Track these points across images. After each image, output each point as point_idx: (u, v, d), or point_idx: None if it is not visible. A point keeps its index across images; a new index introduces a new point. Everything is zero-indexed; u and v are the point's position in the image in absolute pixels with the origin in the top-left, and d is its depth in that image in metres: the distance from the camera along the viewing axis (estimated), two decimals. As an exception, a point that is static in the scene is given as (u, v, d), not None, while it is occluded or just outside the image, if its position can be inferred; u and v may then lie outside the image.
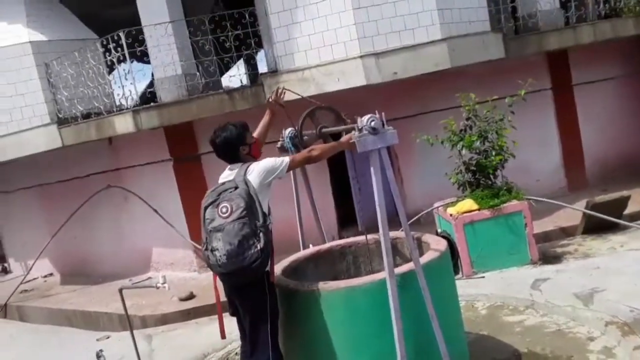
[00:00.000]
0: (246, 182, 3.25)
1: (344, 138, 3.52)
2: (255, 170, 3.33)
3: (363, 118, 3.20)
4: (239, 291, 3.30)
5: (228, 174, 3.43)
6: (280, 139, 4.11)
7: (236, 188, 3.23)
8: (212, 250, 3.15)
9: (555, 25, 8.20)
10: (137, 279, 8.16)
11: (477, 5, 7.33)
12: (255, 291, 3.27)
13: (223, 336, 3.48)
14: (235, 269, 3.13)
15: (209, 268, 3.37)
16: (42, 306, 8.11)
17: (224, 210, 3.16)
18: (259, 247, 3.15)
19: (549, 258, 6.09)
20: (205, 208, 3.23)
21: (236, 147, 3.46)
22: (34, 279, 9.88)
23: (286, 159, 3.41)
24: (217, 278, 3.36)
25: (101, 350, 4.93)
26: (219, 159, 3.59)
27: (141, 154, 8.64)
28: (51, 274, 10.22)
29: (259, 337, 3.28)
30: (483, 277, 5.80)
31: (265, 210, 3.30)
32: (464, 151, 6.40)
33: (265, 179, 3.32)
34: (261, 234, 3.18)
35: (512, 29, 8.37)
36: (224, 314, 3.48)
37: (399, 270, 3.33)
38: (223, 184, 3.32)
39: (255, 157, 3.56)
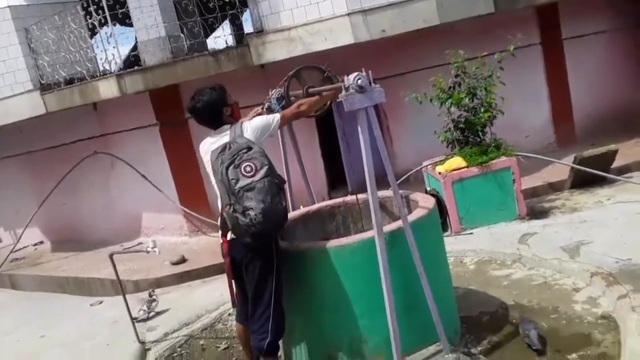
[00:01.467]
0: (252, 142, 3.22)
1: (329, 88, 3.50)
2: (249, 129, 3.30)
3: (350, 76, 3.15)
4: (253, 253, 3.25)
5: (216, 139, 3.36)
6: (267, 101, 4.06)
7: (250, 148, 3.17)
8: (244, 211, 3.08)
9: (545, -23, 8.06)
10: (128, 245, 8.19)
11: (465, -41, 7.17)
12: (267, 251, 3.26)
13: (234, 305, 3.46)
14: (269, 226, 3.11)
15: (223, 230, 3.27)
16: (34, 274, 8.13)
17: (247, 169, 3.11)
18: (284, 204, 3.20)
19: (536, 213, 6.15)
20: (227, 169, 3.13)
21: (219, 109, 3.40)
22: (25, 247, 9.88)
23: (277, 116, 3.41)
24: (228, 245, 3.30)
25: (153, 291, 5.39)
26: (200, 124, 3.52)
27: (127, 119, 8.55)
28: (42, 242, 10.23)
29: (264, 296, 3.28)
30: (471, 233, 5.86)
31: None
32: (452, 109, 6.37)
33: (260, 136, 3.29)
34: (282, 192, 3.22)
35: (502, -17, 8.22)
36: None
37: (388, 228, 3.34)
38: (228, 144, 3.21)
39: (236, 119, 3.50)
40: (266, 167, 3.13)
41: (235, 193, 3.10)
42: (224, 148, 3.20)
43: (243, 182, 3.09)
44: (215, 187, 3.33)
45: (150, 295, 5.46)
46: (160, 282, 6.54)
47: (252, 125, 3.32)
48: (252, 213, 3.06)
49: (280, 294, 3.31)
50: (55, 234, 10.01)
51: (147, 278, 6.65)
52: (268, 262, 3.26)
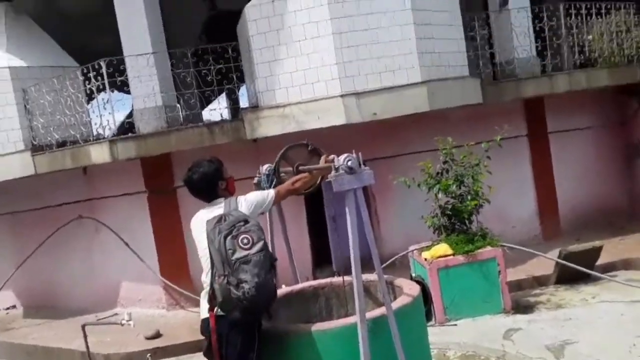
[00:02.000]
0: (249, 217, 3.20)
1: (320, 167, 3.52)
2: (244, 204, 3.31)
3: (340, 157, 3.18)
4: (236, 327, 3.17)
5: (210, 211, 3.33)
6: (257, 175, 4.06)
7: (247, 221, 3.15)
8: (237, 284, 3.02)
9: (532, 72, 8.39)
10: (104, 315, 7.93)
11: (456, 50, 7.46)
12: (251, 328, 3.19)
13: None
14: (261, 301, 3.07)
15: (212, 304, 3.20)
16: (1, 340, 7.79)
17: (245, 241, 3.08)
18: (274, 281, 3.17)
19: (521, 307, 6.07)
20: (225, 238, 3.09)
21: (214, 182, 3.41)
22: (-5, 310, 9.53)
23: (271, 192, 3.43)
24: (215, 319, 3.20)
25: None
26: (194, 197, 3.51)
27: (116, 185, 8.51)
28: (14, 306, 9.88)
29: None
30: (455, 324, 5.74)
31: None
32: (440, 195, 6.42)
33: (255, 212, 3.29)
34: (274, 268, 3.20)
35: (490, 75, 8.55)
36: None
37: (371, 314, 3.27)
38: (224, 216, 3.18)
39: (231, 193, 3.50)
40: (262, 242, 3.12)
41: (231, 264, 3.06)
42: (220, 219, 3.18)
43: (240, 253, 3.06)
44: (203, 260, 3.29)
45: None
46: (132, 357, 6.29)
47: (247, 200, 3.33)
48: (245, 287, 3.01)
49: None
50: (30, 299, 9.68)
51: (118, 352, 6.39)
52: (250, 340, 3.18)
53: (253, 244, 3.08)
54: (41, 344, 7.19)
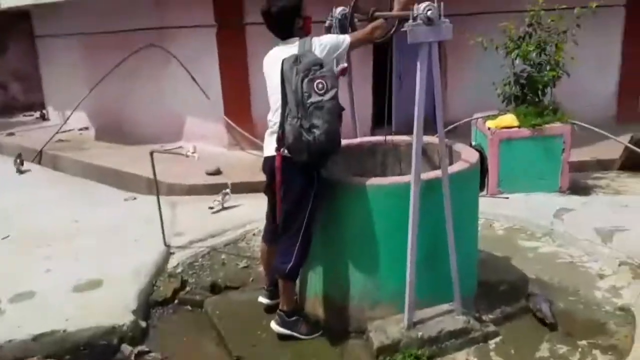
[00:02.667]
0: (325, 61, 3.13)
1: (397, 14, 3.32)
2: (318, 46, 3.20)
3: (420, 5, 2.95)
4: (299, 172, 3.23)
5: (284, 49, 3.25)
6: (330, 18, 3.87)
7: (322, 65, 3.10)
8: (309, 128, 3.05)
9: None
10: (169, 146, 8.30)
11: None
12: (312, 174, 3.25)
13: (276, 221, 3.42)
14: (328, 147, 3.12)
15: (292, 144, 3.13)
16: (76, 158, 8.40)
17: (320, 86, 3.05)
18: (341, 128, 3.19)
19: (578, 189, 5.94)
20: (302, 81, 3.05)
21: (292, 18, 3.27)
22: (70, 130, 10.16)
23: (347, 38, 3.28)
24: (281, 159, 3.25)
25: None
26: (267, 31, 3.37)
27: (187, 15, 8.39)
28: (87, 128, 10.49)
29: (297, 219, 3.27)
30: (507, 197, 5.71)
31: None
32: (517, 61, 6.05)
33: (327, 57, 3.19)
34: (340, 117, 3.19)
35: None
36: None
37: (425, 176, 3.26)
38: (299, 57, 3.10)
39: (307, 33, 3.37)
40: (335, 89, 3.10)
41: (305, 108, 3.06)
42: (296, 59, 3.11)
43: (314, 98, 3.05)
44: (272, 98, 3.28)
45: (225, 189, 5.91)
46: (193, 190, 6.68)
47: (321, 42, 3.21)
48: (316, 132, 3.04)
49: (312, 220, 3.30)
50: (101, 122, 10.23)
51: (181, 183, 6.79)
52: (310, 184, 3.25)
53: (327, 90, 3.06)
54: (111, 166, 7.70)
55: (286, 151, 3.20)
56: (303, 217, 3.26)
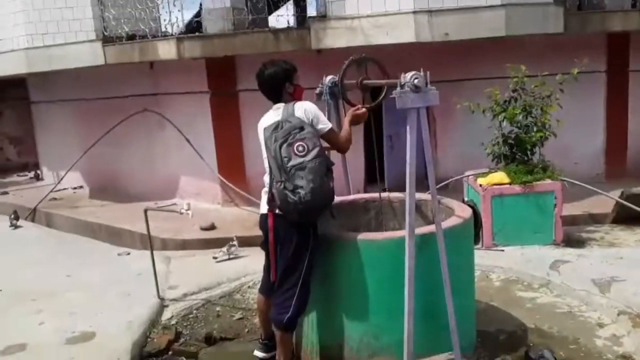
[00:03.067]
0: (304, 122, 3.24)
1: (385, 82, 3.47)
2: (301, 110, 3.30)
3: (407, 74, 3.11)
4: (293, 229, 3.29)
5: (272, 115, 3.39)
6: (320, 86, 4.05)
7: (302, 128, 3.21)
8: (294, 190, 3.13)
9: (622, 5, 7.84)
10: (162, 203, 8.35)
11: (543, -26, 7.01)
12: (307, 229, 3.30)
13: (274, 277, 3.43)
14: (317, 205, 3.17)
15: (271, 206, 3.30)
16: (69, 215, 8.41)
17: (300, 149, 3.16)
18: (332, 185, 3.25)
19: (573, 242, 6.01)
20: (280, 147, 3.17)
21: (282, 84, 3.42)
22: (64, 189, 10.20)
23: (329, 125, 3.39)
24: (273, 219, 3.33)
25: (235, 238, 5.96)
26: (259, 96, 3.53)
27: (180, 83, 8.70)
28: (81, 187, 10.55)
29: (294, 273, 3.31)
30: (502, 250, 5.76)
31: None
32: (504, 123, 6.25)
33: (311, 122, 3.27)
34: (330, 172, 3.26)
35: (576, 4, 8.02)
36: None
37: (420, 230, 3.32)
38: (280, 123, 3.25)
39: (296, 100, 3.50)
40: (317, 149, 3.17)
41: (287, 171, 3.15)
42: (277, 126, 3.24)
43: (295, 160, 3.14)
44: (266, 162, 3.36)
45: (232, 242, 5.98)
46: (187, 244, 6.68)
47: (304, 107, 3.32)
48: (301, 192, 3.11)
49: (309, 274, 3.34)
50: (95, 182, 10.30)
51: (175, 238, 6.79)
52: (306, 240, 3.29)
53: (308, 151, 3.14)
54: (105, 222, 7.70)
55: (278, 210, 3.28)
56: (300, 272, 3.29)
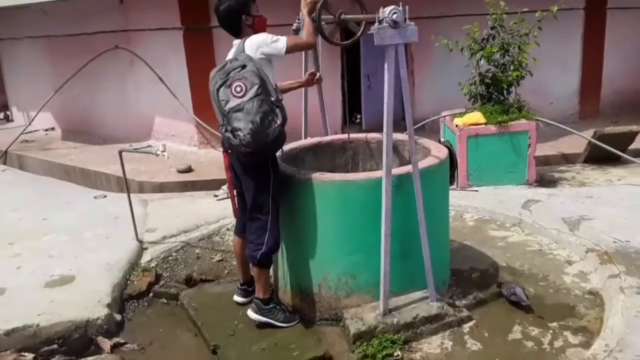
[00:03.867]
0: (250, 59, 3.17)
1: (362, 17, 3.42)
2: (249, 44, 3.24)
3: (385, 9, 3.03)
4: (247, 169, 3.32)
5: (231, 53, 3.33)
6: (297, 21, 3.94)
7: (244, 66, 3.15)
8: (233, 132, 3.11)
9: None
10: (137, 145, 8.24)
11: None
12: (262, 169, 3.30)
13: (236, 215, 3.51)
14: (260, 146, 3.12)
15: (224, 146, 3.35)
16: (42, 158, 8.25)
17: (237, 89, 3.09)
18: (278, 122, 3.17)
19: (545, 181, 6.14)
20: (217, 90, 3.15)
21: (238, 15, 3.31)
22: (36, 130, 9.97)
23: (283, 39, 3.26)
24: (229, 158, 3.37)
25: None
26: (226, 32, 3.45)
27: (152, 18, 8.39)
28: (52, 128, 10.31)
29: (260, 211, 3.34)
30: (477, 190, 5.86)
31: (274, 86, 3.27)
32: (482, 62, 6.21)
33: (258, 52, 3.20)
34: (277, 110, 3.19)
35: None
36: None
37: (396, 170, 3.34)
38: (226, 63, 3.22)
39: (259, 32, 3.37)
40: (256, 87, 3.09)
41: (225, 114, 3.12)
42: (222, 67, 3.20)
43: (232, 103, 3.10)
44: None
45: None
46: (164, 187, 6.64)
47: (251, 40, 3.24)
48: (240, 134, 3.09)
49: (276, 212, 3.37)
50: (68, 122, 10.07)
51: (151, 181, 6.74)
52: (263, 179, 3.30)
53: (246, 91, 3.08)
54: (79, 165, 7.58)
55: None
56: (267, 209, 3.32)
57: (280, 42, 3.22)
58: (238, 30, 3.35)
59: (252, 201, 3.36)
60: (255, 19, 3.36)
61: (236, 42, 3.34)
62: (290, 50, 3.24)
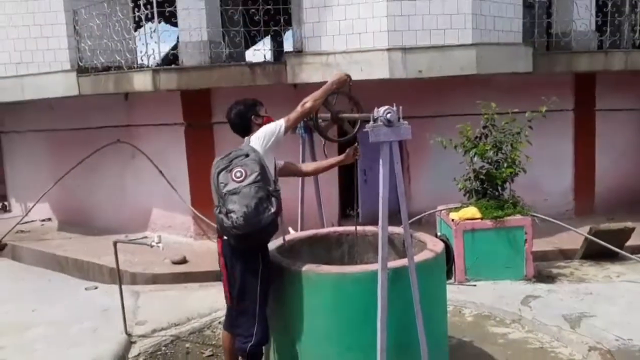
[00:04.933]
0: (254, 150, 3.32)
1: (358, 116, 3.56)
2: (255, 136, 3.39)
3: (379, 109, 3.17)
4: (237, 254, 3.33)
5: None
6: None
7: (247, 155, 3.29)
8: (227, 213, 3.17)
9: (588, 47, 8.12)
10: (133, 237, 8.20)
11: (512, 16, 7.26)
12: (252, 256, 3.31)
13: (229, 302, 3.48)
14: (251, 230, 3.17)
15: (219, 232, 3.39)
16: (36, 248, 8.18)
17: (238, 174, 3.22)
18: (272, 211, 3.23)
19: (543, 277, 6.08)
20: (218, 173, 3.27)
21: (248, 119, 3.52)
22: (32, 221, 9.95)
23: (281, 120, 3.43)
24: (222, 244, 3.39)
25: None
26: (233, 133, 3.63)
27: (155, 114, 8.65)
28: (49, 219, 10.29)
29: (246, 301, 3.33)
30: (475, 285, 5.78)
31: (274, 176, 3.38)
32: (475, 159, 6.36)
33: (265, 143, 3.35)
34: (273, 199, 3.26)
35: (544, 45, 8.29)
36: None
37: (393, 264, 3.32)
38: (232, 151, 3.36)
39: None
40: (256, 174, 3.22)
41: (222, 196, 3.22)
42: (226, 155, 3.34)
43: (230, 186, 3.21)
44: None
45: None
46: (157, 279, 6.54)
47: (258, 133, 3.40)
48: (234, 216, 3.14)
49: (264, 302, 3.35)
50: (64, 214, 10.07)
51: (145, 272, 6.66)
52: (253, 266, 3.31)
53: (246, 177, 3.21)
54: (73, 256, 7.51)
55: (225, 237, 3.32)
56: (254, 299, 3.31)
57: (280, 124, 3.39)
58: (248, 131, 3.52)
59: (240, 287, 3.35)
60: (263, 119, 3.55)
61: (246, 140, 3.48)
62: (287, 129, 3.44)
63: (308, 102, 3.49)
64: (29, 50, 8.49)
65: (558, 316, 4.67)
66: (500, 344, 4.40)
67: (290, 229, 4.43)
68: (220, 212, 3.23)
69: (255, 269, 3.31)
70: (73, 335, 4.70)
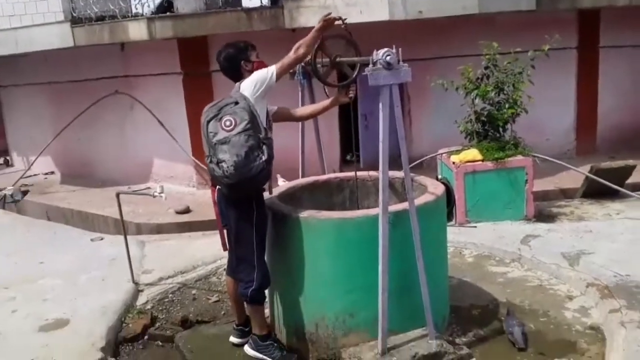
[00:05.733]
0: (244, 97, 3.27)
1: (357, 60, 3.50)
2: (246, 83, 3.34)
3: (379, 51, 3.10)
4: (230, 203, 3.35)
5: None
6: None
7: (237, 103, 3.25)
8: (217, 163, 3.17)
9: (592, -19, 7.88)
10: (136, 187, 8.26)
11: (516, -50, 7.03)
12: (245, 204, 3.32)
13: (225, 248, 3.54)
14: (242, 179, 3.17)
15: (212, 181, 3.39)
16: (41, 202, 8.26)
17: (227, 123, 3.18)
18: (263, 159, 3.21)
19: (543, 216, 6.12)
20: (208, 122, 3.24)
21: (238, 62, 3.45)
22: (35, 175, 10.02)
23: (272, 67, 3.36)
24: (216, 193, 3.41)
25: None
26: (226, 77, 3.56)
27: (152, 64, 8.55)
28: (52, 172, 10.36)
29: (245, 248, 3.37)
30: (475, 226, 5.84)
31: (265, 124, 3.33)
32: (477, 100, 6.29)
33: (256, 90, 3.29)
34: (264, 147, 3.24)
35: (548, -19, 8.05)
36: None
37: (393, 208, 3.33)
38: (222, 99, 3.33)
39: None
40: (245, 122, 3.18)
41: (212, 145, 3.20)
42: (215, 103, 3.30)
43: (220, 135, 3.18)
44: None
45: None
46: (161, 228, 6.63)
47: (249, 79, 3.34)
48: (224, 165, 3.14)
49: (261, 248, 3.39)
50: (67, 167, 10.13)
51: (149, 222, 6.74)
52: (247, 214, 3.32)
53: (235, 125, 3.17)
54: (77, 208, 7.59)
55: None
56: (251, 245, 3.34)
57: (271, 71, 3.32)
58: (238, 76, 3.46)
59: (236, 235, 3.39)
60: (254, 64, 3.47)
61: (236, 86, 3.43)
62: (279, 76, 3.36)
63: (301, 47, 3.39)
64: (21, 1, 8.31)
65: (557, 254, 4.73)
66: (500, 283, 4.48)
67: (279, 176, 4.42)
68: (211, 161, 3.22)
69: (250, 217, 3.32)
70: (81, 285, 4.80)
